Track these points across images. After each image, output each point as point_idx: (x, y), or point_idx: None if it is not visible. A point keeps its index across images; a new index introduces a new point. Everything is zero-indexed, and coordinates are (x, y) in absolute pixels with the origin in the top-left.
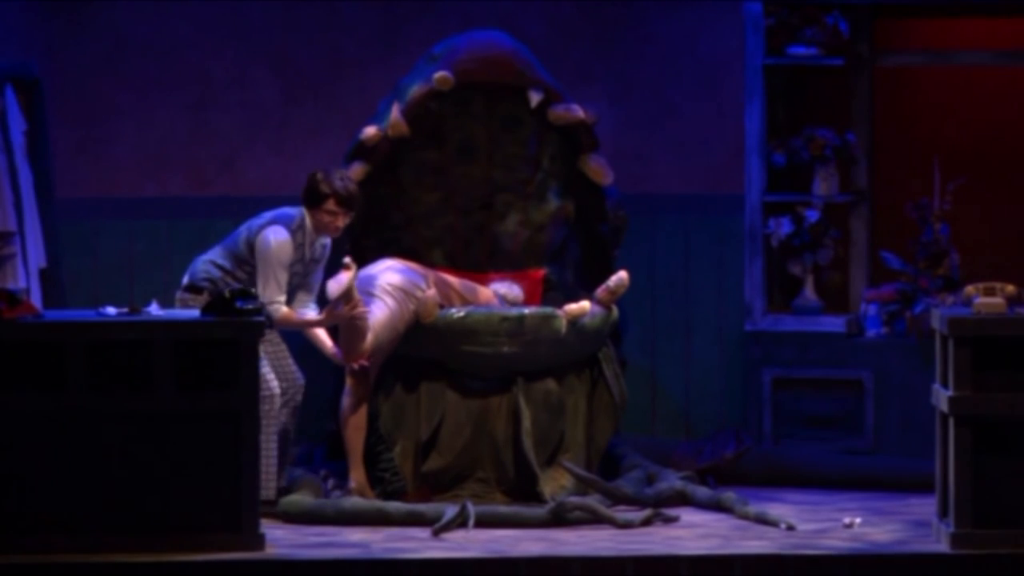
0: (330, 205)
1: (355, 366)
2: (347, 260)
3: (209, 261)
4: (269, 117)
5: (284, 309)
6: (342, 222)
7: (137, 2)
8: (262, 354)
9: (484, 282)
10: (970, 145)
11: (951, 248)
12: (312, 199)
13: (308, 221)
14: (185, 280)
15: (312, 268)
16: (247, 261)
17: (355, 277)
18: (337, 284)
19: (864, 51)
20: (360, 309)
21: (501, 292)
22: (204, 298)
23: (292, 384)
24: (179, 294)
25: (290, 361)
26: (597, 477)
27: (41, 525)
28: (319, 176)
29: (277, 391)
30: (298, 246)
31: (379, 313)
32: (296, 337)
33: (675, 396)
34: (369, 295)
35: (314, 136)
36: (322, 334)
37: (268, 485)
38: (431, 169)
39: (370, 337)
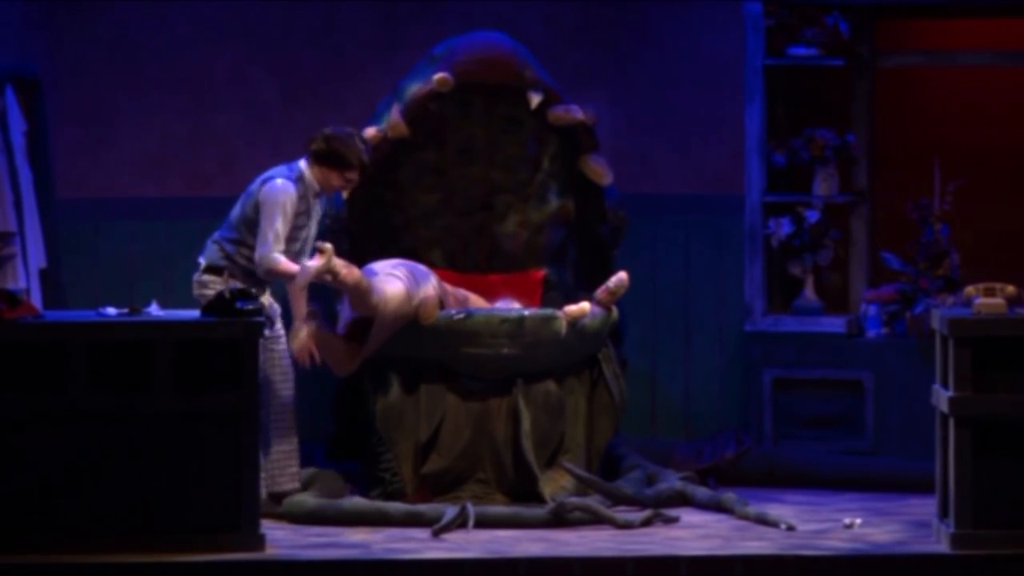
0: (352, 174)
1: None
2: (320, 244)
3: (219, 239)
4: (269, 117)
5: (282, 260)
6: (352, 185)
7: (137, 2)
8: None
9: (486, 284)
10: (970, 145)
11: (951, 248)
12: (337, 161)
13: (308, 174)
14: (201, 262)
15: (317, 224)
16: (257, 222)
17: (328, 261)
18: (311, 267)
19: (864, 51)
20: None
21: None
22: (225, 277)
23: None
24: (198, 277)
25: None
26: (597, 478)
27: (41, 525)
28: (349, 141)
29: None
30: (301, 198)
31: (393, 285)
32: None
33: (675, 397)
34: (379, 279)
35: None
36: (301, 297)
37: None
38: (431, 170)
39: (377, 299)
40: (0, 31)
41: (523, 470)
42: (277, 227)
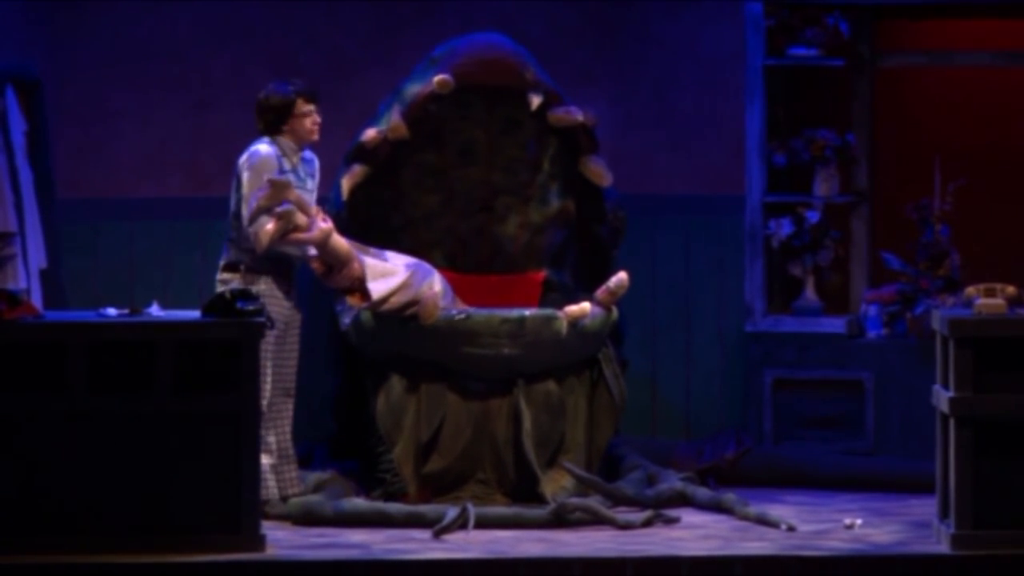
0: (301, 105)
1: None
2: (276, 210)
3: (228, 238)
4: None
5: (270, 227)
6: (318, 117)
7: (137, 2)
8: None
9: (487, 285)
10: (970, 145)
11: (951, 249)
12: (281, 112)
13: (280, 141)
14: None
15: (310, 191)
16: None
17: (285, 224)
18: (268, 231)
19: (865, 52)
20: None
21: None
22: (242, 272)
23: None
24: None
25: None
26: (597, 478)
27: (41, 525)
28: (270, 91)
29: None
30: (281, 156)
31: (394, 274)
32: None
33: (675, 397)
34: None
35: None
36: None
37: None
38: (431, 171)
39: (375, 284)
40: (0, 31)
41: (524, 470)
42: (258, 196)
